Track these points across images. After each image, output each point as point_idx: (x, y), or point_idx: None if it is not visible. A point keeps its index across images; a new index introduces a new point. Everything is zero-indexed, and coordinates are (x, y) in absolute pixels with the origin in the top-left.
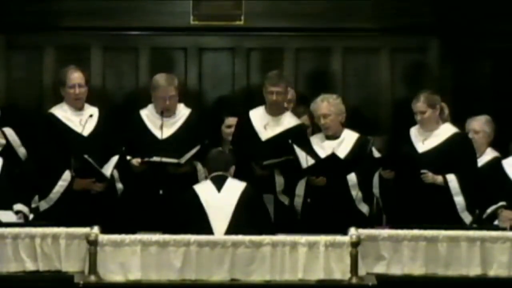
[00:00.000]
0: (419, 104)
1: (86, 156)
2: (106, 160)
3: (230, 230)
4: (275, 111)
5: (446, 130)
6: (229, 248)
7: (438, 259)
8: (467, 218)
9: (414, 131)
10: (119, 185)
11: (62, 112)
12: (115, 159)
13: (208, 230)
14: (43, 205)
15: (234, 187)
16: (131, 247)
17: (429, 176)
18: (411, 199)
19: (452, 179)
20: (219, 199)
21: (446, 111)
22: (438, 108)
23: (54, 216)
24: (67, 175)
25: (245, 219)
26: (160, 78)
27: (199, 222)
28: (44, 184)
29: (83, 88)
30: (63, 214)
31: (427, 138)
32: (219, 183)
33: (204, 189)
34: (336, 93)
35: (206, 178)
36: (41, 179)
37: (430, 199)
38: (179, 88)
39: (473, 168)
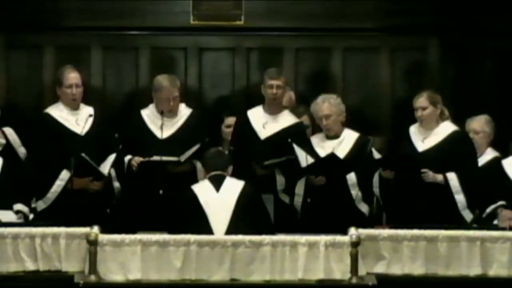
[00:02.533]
0: (422, 99)
1: (83, 154)
2: (102, 159)
3: (230, 230)
4: (273, 109)
5: (446, 128)
6: (229, 248)
7: (438, 259)
8: (468, 216)
9: (413, 130)
10: (116, 184)
11: (58, 111)
12: (112, 157)
13: (208, 230)
14: (41, 205)
15: (233, 186)
16: (131, 247)
17: (430, 175)
18: (411, 198)
19: (452, 177)
20: (218, 199)
21: (446, 112)
22: (439, 108)
23: (52, 216)
24: (64, 175)
25: (245, 218)
26: (163, 80)
27: (198, 222)
28: (42, 184)
29: (80, 88)
30: (61, 213)
31: (427, 137)
32: (217, 183)
33: (203, 189)
34: (336, 93)
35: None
36: (38, 179)
37: (430, 198)
38: (181, 88)
39: (473, 166)
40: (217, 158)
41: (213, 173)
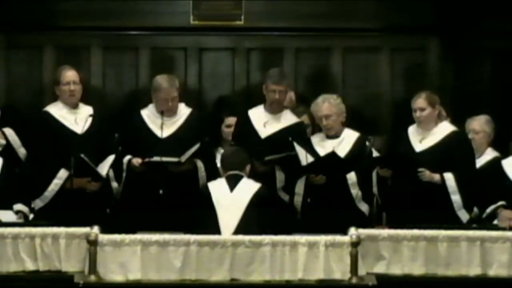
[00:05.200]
0: (420, 100)
1: (82, 155)
2: (101, 159)
3: (239, 231)
4: (274, 109)
5: (444, 129)
6: (229, 248)
7: (438, 259)
8: (464, 216)
9: (412, 130)
10: (115, 184)
11: (57, 110)
12: (111, 158)
13: (217, 229)
14: (38, 204)
15: (247, 188)
16: (131, 247)
17: (426, 174)
18: (408, 197)
19: (449, 177)
20: (230, 199)
21: (444, 113)
22: (437, 108)
23: (50, 215)
24: (62, 174)
25: (255, 221)
26: (162, 80)
27: (209, 220)
28: (40, 182)
29: (78, 85)
30: (59, 212)
31: (425, 137)
32: (233, 183)
33: (217, 188)
34: (336, 93)
35: (207, 176)
36: (37, 177)
37: (427, 197)
38: (180, 88)
39: (471, 166)
40: (235, 158)
41: (231, 172)
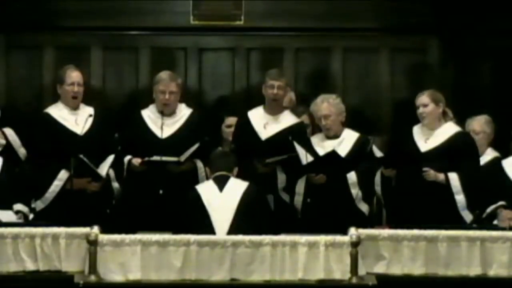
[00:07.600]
0: (423, 97)
1: (81, 155)
2: (101, 159)
3: (232, 230)
4: (274, 109)
5: (449, 129)
6: (229, 248)
7: (438, 259)
8: (467, 216)
9: (416, 130)
10: (116, 185)
11: (57, 111)
12: (110, 158)
13: (211, 230)
14: (39, 205)
15: (236, 187)
16: (131, 247)
17: (431, 174)
18: (412, 197)
19: (453, 177)
20: (221, 199)
21: (450, 114)
22: (441, 106)
23: (51, 216)
24: (62, 175)
25: (247, 219)
26: (163, 73)
27: (201, 222)
28: (40, 184)
29: (81, 87)
30: (60, 213)
31: (430, 137)
32: (221, 183)
33: (206, 189)
34: (336, 93)
35: (206, 176)
36: (37, 178)
37: (431, 197)
38: (181, 88)
39: (475, 167)
40: (223, 159)
41: (218, 173)
